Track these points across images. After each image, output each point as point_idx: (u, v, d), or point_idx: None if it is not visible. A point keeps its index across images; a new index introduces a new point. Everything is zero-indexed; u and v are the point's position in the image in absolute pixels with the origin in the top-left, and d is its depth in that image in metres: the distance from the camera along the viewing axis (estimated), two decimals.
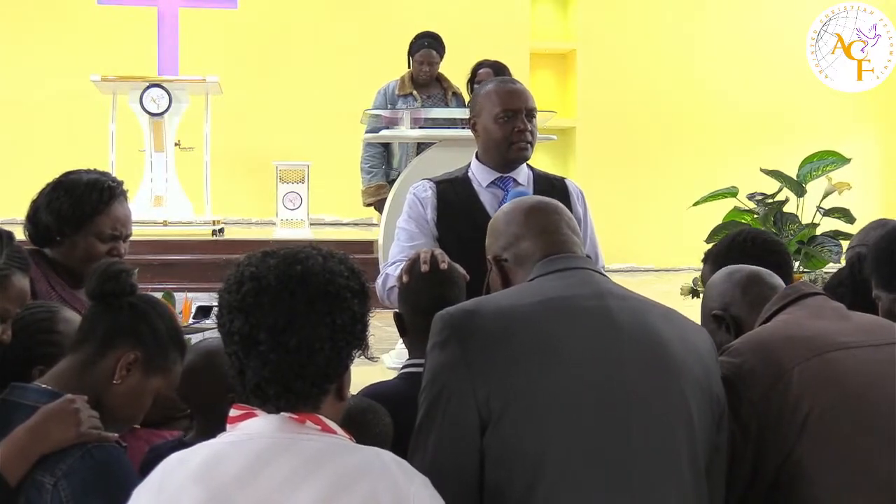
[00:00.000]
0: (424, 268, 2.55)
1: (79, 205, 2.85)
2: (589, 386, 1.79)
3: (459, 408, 1.78)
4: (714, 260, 2.67)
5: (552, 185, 3.27)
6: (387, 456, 1.60)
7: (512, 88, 3.21)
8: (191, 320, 4.32)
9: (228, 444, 1.61)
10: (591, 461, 1.76)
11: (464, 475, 1.77)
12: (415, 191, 3.28)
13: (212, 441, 1.64)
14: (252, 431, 1.61)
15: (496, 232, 2.16)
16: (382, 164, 6.80)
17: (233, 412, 1.64)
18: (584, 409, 1.78)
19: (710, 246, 2.92)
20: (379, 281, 3.14)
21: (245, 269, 1.65)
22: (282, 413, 1.61)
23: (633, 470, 1.78)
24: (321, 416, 1.62)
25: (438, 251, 2.65)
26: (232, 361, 1.64)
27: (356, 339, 1.67)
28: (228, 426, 1.64)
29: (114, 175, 2.99)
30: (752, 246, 2.68)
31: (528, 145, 3.21)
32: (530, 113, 3.19)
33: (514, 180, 3.24)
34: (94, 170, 2.99)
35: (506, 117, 3.18)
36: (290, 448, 1.57)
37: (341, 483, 1.53)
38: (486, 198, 3.21)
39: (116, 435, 1.95)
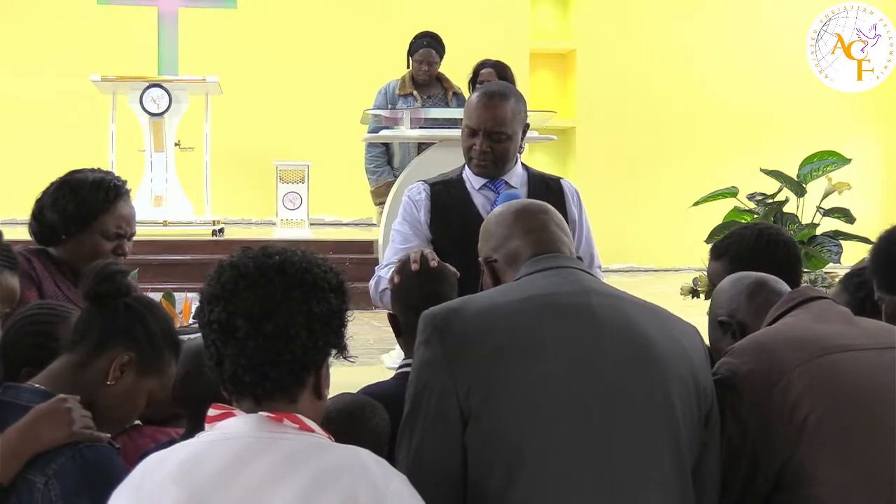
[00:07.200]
0: (415, 267, 2.56)
1: (84, 203, 2.87)
2: (568, 381, 1.81)
3: (441, 403, 1.81)
4: (731, 261, 2.66)
5: (547, 186, 3.28)
6: (366, 455, 1.61)
7: (483, 104, 3.16)
8: (191, 320, 4.30)
9: (207, 444, 1.61)
10: (570, 457, 1.78)
11: (446, 468, 1.80)
12: (409, 193, 3.30)
13: (190, 441, 1.65)
14: (230, 431, 1.61)
15: (487, 234, 2.19)
16: (387, 162, 6.83)
17: (211, 412, 1.65)
18: (564, 404, 1.80)
19: (716, 241, 2.89)
20: (372, 282, 3.15)
21: (225, 261, 1.69)
22: (259, 412, 1.62)
23: (613, 466, 1.79)
24: (299, 415, 1.63)
25: (428, 251, 2.67)
26: (210, 352, 1.65)
27: (333, 334, 1.68)
28: (207, 426, 1.65)
29: (117, 175, 3.01)
30: (775, 249, 2.67)
31: (489, 164, 3.19)
32: (491, 136, 3.15)
33: (506, 182, 3.24)
34: (98, 169, 3.01)
35: (468, 132, 3.19)
36: (268, 447, 1.58)
37: (319, 482, 1.53)
38: (479, 200, 3.23)
39: (108, 435, 1.96)
